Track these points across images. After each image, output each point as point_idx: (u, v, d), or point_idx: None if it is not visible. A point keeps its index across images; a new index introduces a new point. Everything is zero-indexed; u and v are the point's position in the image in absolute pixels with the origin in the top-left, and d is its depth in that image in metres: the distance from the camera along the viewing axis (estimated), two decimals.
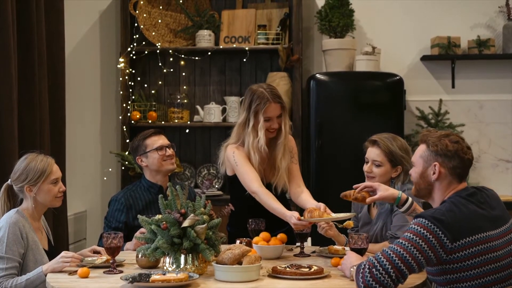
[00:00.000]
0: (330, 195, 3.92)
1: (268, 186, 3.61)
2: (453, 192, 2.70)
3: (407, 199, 2.99)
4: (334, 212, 3.35)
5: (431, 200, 2.77)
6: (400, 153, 3.43)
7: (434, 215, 2.54)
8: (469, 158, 2.71)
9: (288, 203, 3.84)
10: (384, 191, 3.03)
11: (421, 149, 2.76)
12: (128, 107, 5.42)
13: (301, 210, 3.56)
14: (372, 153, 3.46)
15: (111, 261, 3.01)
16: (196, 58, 5.59)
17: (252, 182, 3.47)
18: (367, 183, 3.14)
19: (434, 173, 2.70)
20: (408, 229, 2.57)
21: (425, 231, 2.51)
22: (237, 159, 3.54)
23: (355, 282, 2.59)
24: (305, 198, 3.57)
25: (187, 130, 5.62)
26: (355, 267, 2.70)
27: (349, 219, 3.46)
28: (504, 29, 5.48)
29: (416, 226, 2.54)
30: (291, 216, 3.25)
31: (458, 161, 2.69)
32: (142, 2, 5.49)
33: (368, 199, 3.06)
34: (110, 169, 5.69)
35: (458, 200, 2.63)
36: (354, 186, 3.14)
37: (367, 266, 2.53)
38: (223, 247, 2.96)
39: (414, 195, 2.84)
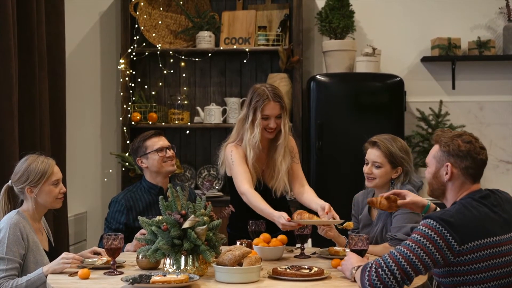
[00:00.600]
0: (330, 196, 3.92)
1: (266, 189, 3.61)
2: (467, 193, 2.67)
3: (435, 209, 2.98)
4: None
5: (445, 200, 2.74)
6: (400, 154, 3.43)
7: (443, 217, 2.52)
8: (482, 158, 2.68)
9: (288, 205, 3.85)
10: (414, 197, 3.03)
11: (434, 149, 2.74)
12: (129, 108, 5.42)
13: (305, 210, 3.56)
14: (372, 154, 3.46)
15: (111, 262, 3.02)
16: (197, 59, 5.60)
17: (242, 182, 3.48)
18: (395, 190, 3.12)
19: (446, 174, 2.67)
20: (416, 230, 2.55)
21: (432, 233, 2.49)
22: (234, 158, 3.55)
23: (359, 282, 2.59)
24: (310, 197, 3.57)
25: (188, 131, 5.62)
26: (356, 268, 2.71)
27: (350, 221, 3.46)
28: (504, 30, 5.48)
29: (423, 227, 2.52)
30: (280, 217, 3.25)
31: (470, 162, 2.66)
32: (142, 4, 5.49)
33: (400, 202, 3.03)
34: (110, 170, 5.69)
35: (470, 202, 2.61)
36: (381, 195, 3.11)
37: (373, 267, 2.53)
38: (224, 248, 2.96)
39: (428, 195, 2.81)
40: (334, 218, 3.31)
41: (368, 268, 2.54)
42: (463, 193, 2.68)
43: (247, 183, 3.47)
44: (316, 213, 3.40)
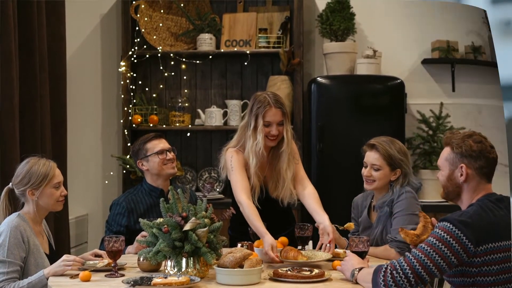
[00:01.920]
0: (331, 198, 3.95)
1: (268, 197, 3.61)
2: (483, 194, 2.67)
3: None
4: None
5: (460, 202, 2.74)
6: (398, 156, 3.43)
7: (460, 219, 2.53)
8: (493, 157, 2.70)
9: (293, 216, 3.86)
10: None
11: (446, 151, 2.73)
12: (130, 110, 5.43)
13: (307, 213, 3.56)
14: (371, 157, 3.46)
15: (112, 265, 3.02)
16: (197, 61, 5.60)
17: (241, 191, 3.45)
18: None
19: (461, 175, 2.67)
20: (432, 233, 2.57)
21: (448, 236, 2.50)
22: (233, 164, 3.53)
23: (366, 283, 2.60)
24: (313, 206, 3.51)
25: (188, 134, 5.62)
26: (358, 270, 2.71)
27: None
28: (489, 39, 5.48)
29: (439, 230, 2.53)
30: (269, 245, 3.19)
31: (484, 161, 2.67)
32: (143, 6, 5.50)
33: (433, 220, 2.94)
34: (111, 173, 5.69)
35: (487, 204, 2.62)
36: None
37: (389, 268, 2.54)
38: (225, 250, 2.96)
39: (442, 197, 2.80)
40: (331, 250, 3.26)
41: (384, 269, 2.55)
42: (479, 193, 2.68)
43: (245, 194, 3.44)
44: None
